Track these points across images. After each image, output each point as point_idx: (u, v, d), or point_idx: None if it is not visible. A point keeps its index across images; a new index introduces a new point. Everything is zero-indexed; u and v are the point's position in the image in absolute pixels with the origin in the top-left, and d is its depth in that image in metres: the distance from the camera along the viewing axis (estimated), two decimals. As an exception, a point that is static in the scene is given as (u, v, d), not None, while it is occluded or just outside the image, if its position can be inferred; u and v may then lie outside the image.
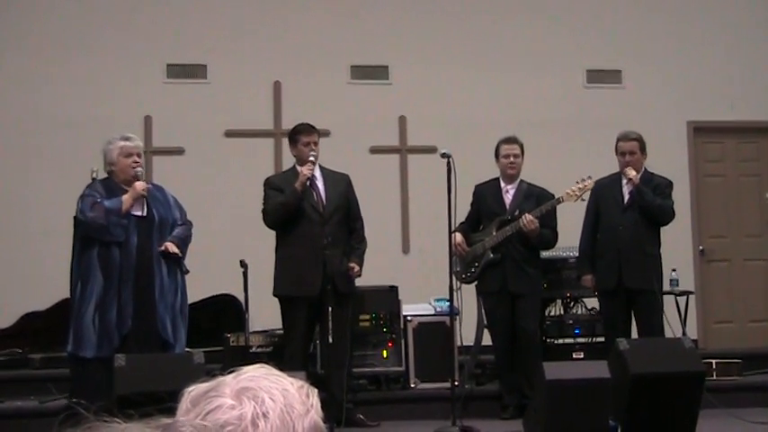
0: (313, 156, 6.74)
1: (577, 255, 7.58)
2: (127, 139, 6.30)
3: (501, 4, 9.96)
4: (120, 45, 9.33)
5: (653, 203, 7.17)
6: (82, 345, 5.99)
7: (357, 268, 6.84)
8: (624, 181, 7.28)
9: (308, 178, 6.68)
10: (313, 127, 6.93)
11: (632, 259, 7.10)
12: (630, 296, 7.17)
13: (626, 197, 7.25)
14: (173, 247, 6.13)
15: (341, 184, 6.94)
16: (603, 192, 7.35)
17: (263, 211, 6.82)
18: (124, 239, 6.04)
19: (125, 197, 6.09)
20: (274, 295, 6.80)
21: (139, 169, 6.22)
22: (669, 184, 7.39)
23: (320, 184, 6.83)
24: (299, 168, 6.84)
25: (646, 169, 7.34)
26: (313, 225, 6.65)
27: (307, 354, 6.86)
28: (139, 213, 6.11)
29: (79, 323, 6.01)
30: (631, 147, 7.27)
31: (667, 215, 7.29)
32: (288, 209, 6.67)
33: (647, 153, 7.36)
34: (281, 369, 1.35)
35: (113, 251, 6.04)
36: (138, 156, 6.28)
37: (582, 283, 7.48)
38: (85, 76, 9.22)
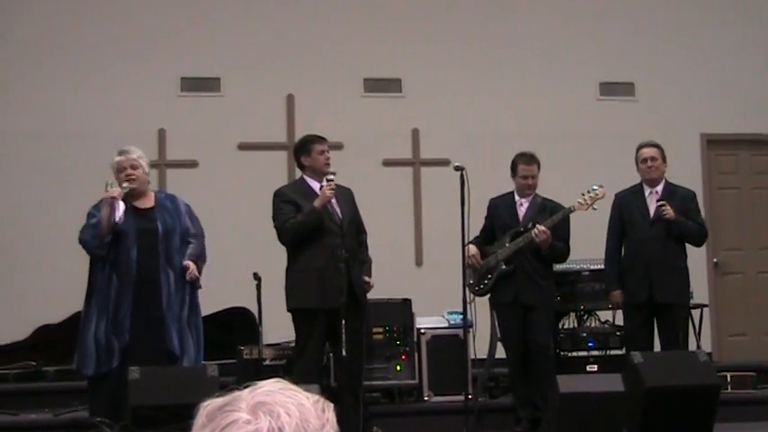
0: (332, 174, 6.52)
1: (603, 268, 7.48)
2: (120, 153, 6.27)
3: (513, 18, 9.96)
4: (134, 58, 9.36)
5: (690, 231, 7.15)
6: (84, 362, 6.04)
7: (372, 282, 6.83)
8: (647, 192, 7.23)
9: (330, 199, 6.50)
10: (323, 137, 6.84)
11: (663, 273, 7.05)
12: (658, 310, 7.11)
13: (651, 210, 7.18)
14: (195, 272, 6.18)
15: (349, 198, 6.85)
16: (627, 205, 7.30)
17: (280, 228, 6.57)
18: (124, 253, 6.03)
19: (102, 210, 6.04)
20: (290, 309, 6.61)
21: (125, 184, 6.14)
22: (695, 197, 7.37)
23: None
24: (308, 180, 6.71)
25: (666, 180, 7.30)
26: (334, 237, 6.54)
27: (321, 367, 6.80)
28: (117, 220, 5.99)
29: (81, 341, 6.07)
30: (654, 153, 7.22)
31: (703, 237, 7.32)
32: (308, 229, 6.49)
33: (667, 163, 7.31)
34: (295, 384, 1.35)
35: (107, 266, 6.04)
36: (133, 168, 6.20)
37: (610, 299, 7.38)
38: (100, 89, 9.27)
